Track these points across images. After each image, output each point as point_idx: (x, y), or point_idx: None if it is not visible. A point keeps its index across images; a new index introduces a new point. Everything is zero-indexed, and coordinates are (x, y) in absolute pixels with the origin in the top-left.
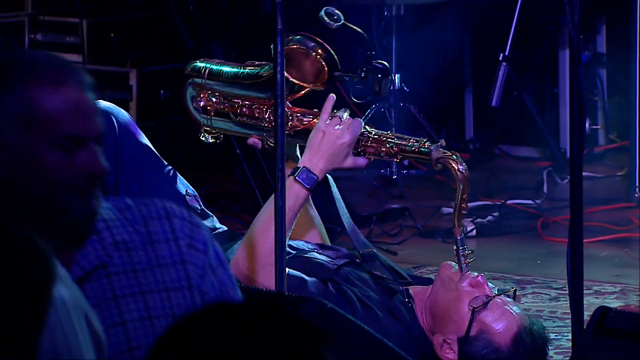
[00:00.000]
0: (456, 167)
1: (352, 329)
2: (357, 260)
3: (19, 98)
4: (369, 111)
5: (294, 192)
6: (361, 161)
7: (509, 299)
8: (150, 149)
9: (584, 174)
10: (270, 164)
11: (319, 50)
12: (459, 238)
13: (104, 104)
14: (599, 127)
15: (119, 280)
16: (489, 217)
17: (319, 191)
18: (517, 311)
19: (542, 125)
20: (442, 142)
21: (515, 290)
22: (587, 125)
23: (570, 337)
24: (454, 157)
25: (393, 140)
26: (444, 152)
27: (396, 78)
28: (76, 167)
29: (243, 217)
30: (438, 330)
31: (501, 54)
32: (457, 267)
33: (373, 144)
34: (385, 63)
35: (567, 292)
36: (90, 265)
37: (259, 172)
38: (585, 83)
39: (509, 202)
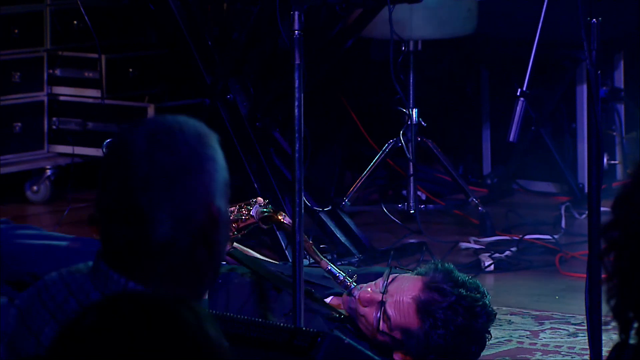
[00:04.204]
0: (282, 219)
1: None
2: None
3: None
4: (386, 146)
5: None
6: None
7: (396, 278)
8: None
9: (602, 209)
10: (288, 197)
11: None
12: (328, 268)
13: None
14: (617, 162)
15: None
16: (507, 252)
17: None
18: (408, 285)
19: (560, 161)
20: (259, 199)
21: (391, 267)
22: (605, 160)
23: None
24: (271, 209)
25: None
26: (264, 211)
27: (414, 113)
28: None
29: (261, 251)
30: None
31: (519, 89)
32: (349, 294)
33: None
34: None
35: (586, 327)
36: None
37: (277, 206)
38: (603, 118)
39: (527, 237)
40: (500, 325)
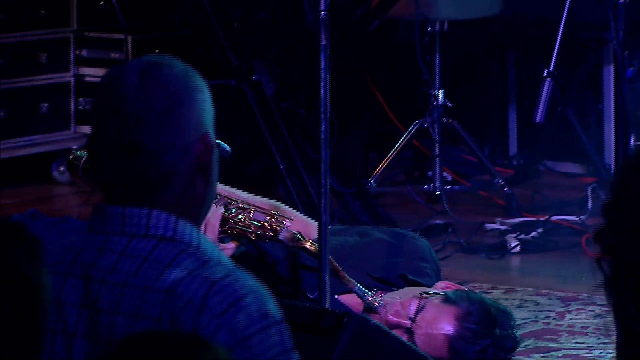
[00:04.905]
0: (308, 246)
1: (395, 345)
2: None
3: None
4: (411, 127)
5: None
6: (229, 246)
7: (427, 305)
8: None
9: None
10: (313, 179)
11: None
12: (355, 290)
13: None
14: None
15: None
16: (533, 234)
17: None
18: (440, 316)
19: (586, 141)
20: (287, 222)
21: (422, 293)
22: (631, 140)
23: (615, 355)
24: (300, 237)
25: (250, 229)
26: (294, 235)
27: (440, 94)
28: None
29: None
30: None
31: (545, 70)
32: (375, 311)
33: (237, 230)
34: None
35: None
36: None
37: (302, 187)
38: (630, 99)
39: (553, 218)
40: (527, 307)
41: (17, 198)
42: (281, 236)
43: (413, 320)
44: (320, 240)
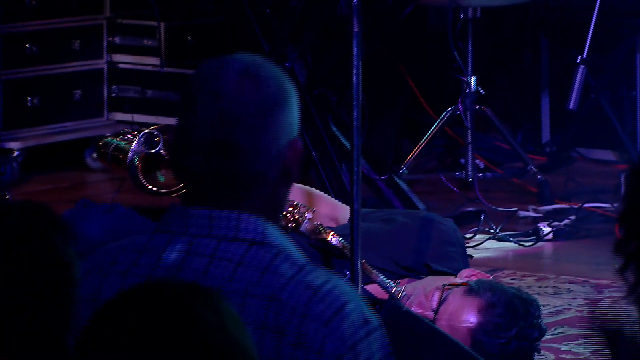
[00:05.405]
0: (330, 238)
1: (427, 332)
2: None
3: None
4: (444, 114)
5: None
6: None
7: (449, 297)
8: None
9: None
10: (346, 165)
11: None
12: (378, 280)
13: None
14: None
15: None
16: (566, 221)
17: None
18: (463, 308)
19: (619, 128)
20: (309, 213)
21: (444, 284)
22: None
23: None
24: (322, 229)
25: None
26: (315, 227)
27: (472, 81)
28: None
29: None
30: None
31: (579, 57)
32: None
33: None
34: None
35: None
36: None
37: (334, 174)
38: None
39: (586, 205)
40: (559, 294)
41: (51, 184)
42: (303, 228)
43: (436, 312)
44: (352, 227)
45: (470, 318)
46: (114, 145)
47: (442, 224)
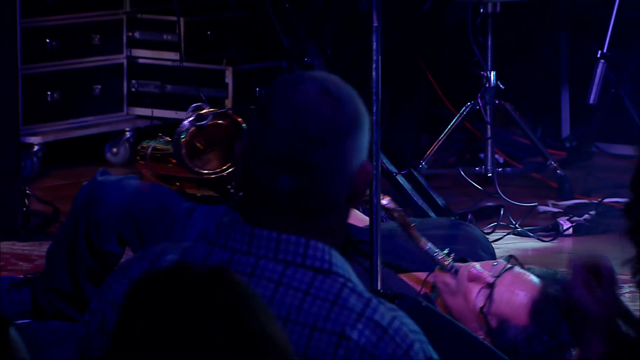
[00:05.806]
0: (392, 210)
1: (447, 327)
2: None
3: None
4: (463, 109)
5: None
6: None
7: (513, 269)
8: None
9: None
10: None
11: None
12: (426, 249)
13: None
14: None
15: None
16: (586, 216)
17: None
18: (527, 280)
19: (639, 123)
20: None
21: (511, 256)
22: None
23: None
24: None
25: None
26: (390, 204)
27: (492, 75)
28: None
29: None
30: None
31: (599, 52)
32: (448, 270)
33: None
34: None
35: None
36: None
37: None
38: None
39: (606, 200)
40: None
41: (71, 179)
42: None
43: (498, 277)
44: (371, 222)
45: (533, 291)
46: (152, 146)
47: (474, 229)
